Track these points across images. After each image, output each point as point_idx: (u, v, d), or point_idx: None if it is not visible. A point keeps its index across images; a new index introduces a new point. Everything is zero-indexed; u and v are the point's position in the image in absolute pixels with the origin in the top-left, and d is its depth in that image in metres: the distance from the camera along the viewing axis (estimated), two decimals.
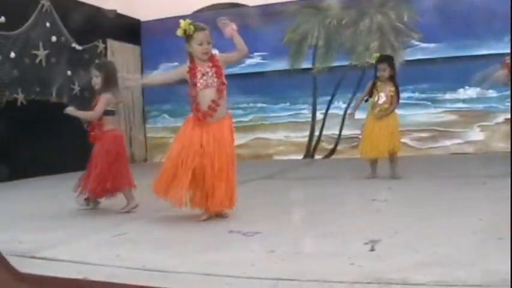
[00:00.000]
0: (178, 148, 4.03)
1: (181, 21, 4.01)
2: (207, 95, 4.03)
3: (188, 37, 4.04)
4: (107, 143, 4.69)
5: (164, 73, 4.20)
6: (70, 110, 4.72)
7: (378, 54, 6.59)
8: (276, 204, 4.69)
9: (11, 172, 7.28)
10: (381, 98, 6.28)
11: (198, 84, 4.03)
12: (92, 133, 4.77)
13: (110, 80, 4.78)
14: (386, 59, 6.53)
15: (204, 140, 3.96)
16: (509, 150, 6.86)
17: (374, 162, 6.46)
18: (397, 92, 6.37)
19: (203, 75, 4.04)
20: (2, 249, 2.41)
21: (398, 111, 6.55)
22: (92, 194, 4.71)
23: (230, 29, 4.02)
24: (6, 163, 7.35)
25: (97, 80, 4.78)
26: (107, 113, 4.71)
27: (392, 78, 6.35)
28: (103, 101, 4.66)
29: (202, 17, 10.94)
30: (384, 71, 6.28)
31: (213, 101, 4.01)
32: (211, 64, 4.08)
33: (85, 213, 4.76)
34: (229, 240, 3.34)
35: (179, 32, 4.02)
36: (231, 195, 4.02)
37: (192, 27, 3.99)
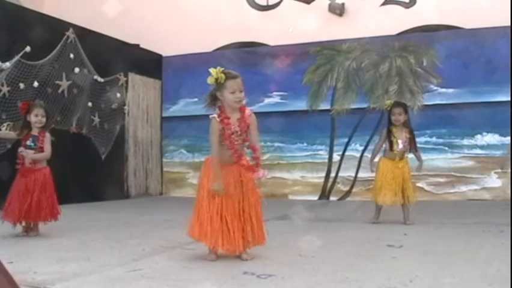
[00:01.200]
0: (205, 192, 3.98)
1: (212, 70, 3.86)
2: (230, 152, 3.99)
3: (219, 85, 3.88)
4: (43, 177, 5.22)
5: (215, 148, 4.06)
6: (27, 154, 5.16)
7: (390, 100, 6.59)
8: (290, 246, 4.66)
9: None
10: (400, 144, 6.27)
11: (227, 142, 3.95)
12: (23, 167, 5.21)
13: (49, 120, 5.40)
14: (402, 104, 6.55)
15: (230, 182, 3.95)
16: None
17: (381, 207, 6.43)
18: (414, 137, 6.37)
19: (232, 133, 3.94)
20: (17, 280, 2.42)
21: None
22: (17, 221, 5.15)
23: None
24: None
25: (43, 119, 5.27)
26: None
27: (406, 124, 6.33)
28: (49, 139, 5.25)
29: (223, 55, 11.17)
30: (400, 115, 6.26)
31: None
32: (239, 116, 3.97)
33: (103, 246, 4.77)
34: (243, 282, 3.31)
35: (210, 80, 3.87)
36: (257, 234, 4.01)
37: (223, 75, 3.84)
